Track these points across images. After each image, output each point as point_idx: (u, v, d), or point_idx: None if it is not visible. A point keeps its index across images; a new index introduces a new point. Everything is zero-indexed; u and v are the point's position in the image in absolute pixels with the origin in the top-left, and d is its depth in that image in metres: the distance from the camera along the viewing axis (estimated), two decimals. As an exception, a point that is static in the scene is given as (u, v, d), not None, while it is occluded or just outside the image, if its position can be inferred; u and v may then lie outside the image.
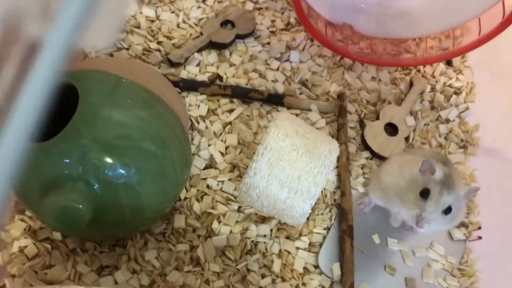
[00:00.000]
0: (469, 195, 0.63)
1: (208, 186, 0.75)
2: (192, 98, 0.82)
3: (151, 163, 0.59)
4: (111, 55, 0.84)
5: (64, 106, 0.64)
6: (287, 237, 0.73)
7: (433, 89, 0.90)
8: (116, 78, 0.62)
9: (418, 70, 0.91)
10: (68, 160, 0.56)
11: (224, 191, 0.75)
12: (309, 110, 0.84)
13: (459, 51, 0.83)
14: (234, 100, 0.83)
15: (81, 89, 0.58)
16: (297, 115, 0.84)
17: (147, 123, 0.60)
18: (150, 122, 0.60)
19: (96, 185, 0.56)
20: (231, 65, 0.87)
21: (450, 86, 0.90)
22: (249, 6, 0.93)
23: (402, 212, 0.65)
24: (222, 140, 0.79)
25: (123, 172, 0.57)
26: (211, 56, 0.86)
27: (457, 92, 0.90)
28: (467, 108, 0.88)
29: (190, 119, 0.80)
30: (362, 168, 0.80)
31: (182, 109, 0.72)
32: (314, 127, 0.81)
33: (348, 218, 0.73)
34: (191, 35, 0.88)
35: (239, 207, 0.74)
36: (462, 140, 0.86)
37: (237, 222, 0.73)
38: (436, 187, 0.59)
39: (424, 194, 0.60)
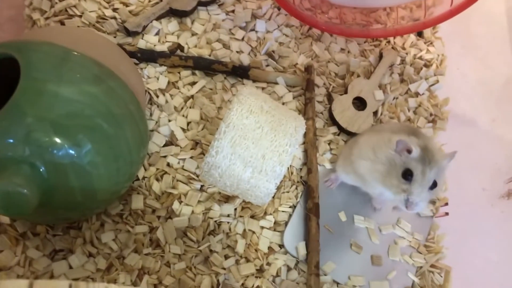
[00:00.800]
0: (449, 161, 0.59)
1: (168, 165, 0.72)
2: (150, 70, 0.77)
3: (102, 142, 0.55)
4: (62, 23, 0.77)
5: (8, 81, 0.59)
6: (252, 216, 0.71)
7: (403, 61, 0.87)
8: (64, 51, 0.57)
9: (388, 42, 0.88)
10: (10, 141, 0.51)
11: (185, 170, 0.71)
12: (276, 83, 0.80)
13: (430, 22, 0.80)
14: (196, 72, 0.79)
15: (23, 63, 0.53)
16: (263, 88, 0.80)
17: (97, 100, 0.55)
18: (101, 99, 0.55)
19: (43, 168, 0.52)
20: (193, 34, 0.81)
21: (420, 58, 0.88)
22: (211, -29, 0.87)
23: (385, 194, 0.62)
24: (183, 115, 0.75)
25: (72, 152, 0.53)
26: (171, 25, 0.81)
27: (427, 65, 0.87)
28: (437, 81, 0.86)
29: (149, 93, 0.75)
30: (329, 143, 0.78)
31: (138, 83, 0.67)
32: (280, 102, 0.78)
33: (314, 196, 0.71)
34: (149, 1, 0.82)
35: (202, 186, 0.71)
36: (431, 114, 0.84)
37: (199, 202, 0.70)
38: (417, 166, 0.56)
39: (407, 176, 0.56)
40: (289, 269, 0.69)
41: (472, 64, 0.92)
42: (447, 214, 0.76)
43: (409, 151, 0.57)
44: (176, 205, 0.69)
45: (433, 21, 0.80)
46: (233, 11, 0.84)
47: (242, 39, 0.82)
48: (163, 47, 0.79)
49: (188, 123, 0.75)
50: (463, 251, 0.73)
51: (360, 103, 0.82)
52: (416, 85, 0.85)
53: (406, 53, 0.87)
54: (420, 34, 0.90)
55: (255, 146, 0.61)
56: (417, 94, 0.85)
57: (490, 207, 0.70)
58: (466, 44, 0.94)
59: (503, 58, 0.93)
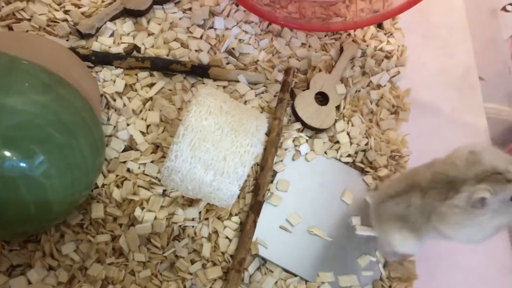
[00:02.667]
0: None
1: (128, 170, 0.70)
2: (106, 73, 0.74)
3: (55, 152, 0.53)
4: (10, 28, 0.74)
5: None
6: (218, 218, 0.70)
7: (364, 53, 0.87)
8: (10, 59, 0.55)
9: (349, 34, 0.88)
10: (-46, 155, 0.48)
11: (146, 175, 0.70)
12: (237, 81, 0.79)
13: (388, 13, 0.80)
14: (154, 73, 0.77)
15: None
16: (224, 87, 0.78)
17: (47, 109, 0.53)
18: (51, 107, 0.53)
19: (-10, 182, 0.49)
20: (149, 34, 0.79)
21: (381, 50, 0.88)
22: (166, -32, 0.85)
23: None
24: (142, 118, 0.73)
25: (23, 165, 0.51)
26: (126, 25, 0.78)
27: (388, 56, 0.87)
28: (398, 73, 0.87)
29: (105, 97, 0.72)
30: (293, 140, 0.77)
31: (93, 87, 0.65)
32: (242, 101, 0.77)
33: (259, 194, 0.70)
34: (103, 2, 0.79)
35: (164, 190, 0.69)
36: (393, 106, 0.84)
37: (162, 207, 0.68)
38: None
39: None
40: (256, 269, 0.68)
41: (432, 53, 0.93)
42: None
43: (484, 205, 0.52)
44: (138, 212, 0.67)
45: (392, 12, 0.80)
46: (190, 9, 0.82)
47: (201, 37, 0.81)
48: (119, 49, 0.76)
49: (148, 126, 0.73)
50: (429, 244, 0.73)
51: (322, 98, 0.81)
52: (377, 77, 0.85)
53: (367, 46, 0.87)
54: (380, 26, 0.90)
55: (215, 148, 0.60)
56: (379, 86, 0.85)
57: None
58: (426, 34, 0.94)
59: (463, 46, 0.94)
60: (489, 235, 0.55)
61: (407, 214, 0.60)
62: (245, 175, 0.61)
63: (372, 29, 0.89)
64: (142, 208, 0.67)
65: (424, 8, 0.84)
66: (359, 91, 0.84)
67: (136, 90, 0.75)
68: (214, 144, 0.60)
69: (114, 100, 0.73)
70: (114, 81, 0.74)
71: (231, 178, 0.61)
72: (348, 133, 0.79)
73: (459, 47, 0.93)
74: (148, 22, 0.80)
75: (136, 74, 0.76)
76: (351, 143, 0.78)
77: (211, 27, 0.82)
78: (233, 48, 0.81)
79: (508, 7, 0.68)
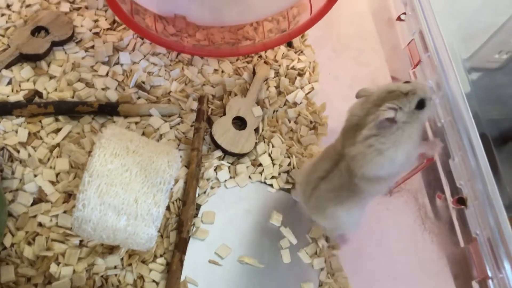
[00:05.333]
0: None
1: (40, 224, 0.65)
2: (6, 124, 0.70)
3: None
4: None
5: None
6: (142, 262, 0.66)
7: (277, 73, 0.87)
8: None
9: (260, 56, 0.88)
10: None
11: (60, 226, 0.65)
12: (150, 115, 0.76)
13: (294, 32, 0.81)
14: (60, 117, 0.73)
15: None
16: (136, 123, 0.76)
17: None
18: None
19: None
20: (51, 77, 0.75)
21: (293, 68, 0.88)
22: (65, 7, 0.82)
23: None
24: (50, 167, 0.69)
25: None
26: (25, 71, 0.74)
27: (301, 74, 0.88)
28: (313, 89, 0.87)
29: (7, 149, 0.68)
30: (215, 169, 0.75)
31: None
32: (157, 135, 0.75)
33: (183, 231, 0.67)
34: (-5, 48, 0.75)
35: (81, 241, 0.65)
36: (311, 122, 0.84)
37: (80, 259, 0.64)
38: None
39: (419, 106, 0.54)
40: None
41: (345, 65, 0.94)
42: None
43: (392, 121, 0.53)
44: (54, 268, 0.62)
45: (297, 31, 0.81)
46: (92, 47, 0.79)
47: (107, 74, 0.78)
48: (18, 97, 0.72)
49: (57, 175, 0.69)
50: (359, 253, 0.73)
51: (241, 122, 0.80)
52: (292, 95, 0.85)
53: (279, 65, 0.87)
54: (290, 45, 0.91)
55: (125, 192, 0.57)
56: (295, 104, 0.85)
57: (376, 205, 0.71)
58: (336, 47, 0.96)
59: (375, 54, 0.96)
60: (413, 150, 0.56)
61: (341, 183, 0.60)
62: (160, 215, 0.59)
63: (283, 48, 0.89)
64: (58, 264, 0.63)
65: (331, 21, 0.86)
66: (277, 111, 0.84)
67: (41, 138, 0.71)
68: (123, 188, 0.57)
69: (18, 151, 0.69)
70: (16, 131, 0.70)
71: (146, 220, 0.58)
72: (269, 155, 0.78)
73: (371, 54, 0.95)
74: (48, 65, 0.76)
75: (40, 121, 0.72)
76: (273, 165, 0.78)
77: (117, 63, 0.79)
78: (143, 82, 0.79)
79: (403, 16, 0.71)
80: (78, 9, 0.83)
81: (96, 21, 0.82)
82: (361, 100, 0.58)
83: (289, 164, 0.78)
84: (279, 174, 0.77)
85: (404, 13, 0.71)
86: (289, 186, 0.77)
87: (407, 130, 0.54)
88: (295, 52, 0.90)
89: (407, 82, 0.56)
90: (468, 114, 0.59)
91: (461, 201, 0.57)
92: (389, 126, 0.53)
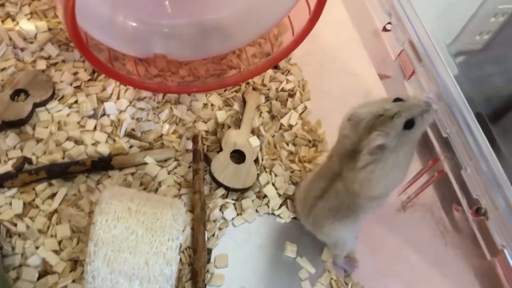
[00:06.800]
0: None
1: (50, 299, 0.62)
2: (-1, 198, 0.67)
3: None
4: None
5: None
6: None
7: (267, 98, 0.85)
8: None
9: (248, 83, 0.86)
10: None
11: (71, 297, 0.63)
12: (145, 163, 0.74)
13: (279, 56, 0.79)
14: (53, 181, 0.70)
15: None
16: (132, 174, 0.73)
17: None
18: None
19: None
20: (38, 141, 0.73)
21: (283, 90, 0.86)
22: (41, 65, 0.79)
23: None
24: (52, 236, 0.66)
25: None
26: (10, 139, 0.72)
27: (291, 94, 0.86)
28: (306, 108, 0.85)
29: (3, 225, 0.65)
30: (220, 209, 0.73)
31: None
32: (155, 183, 0.73)
33: (198, 280, 0.64)
34: (-24, 120, 0.72)
35: (95, 310, 0.62)
36: (310, 141, 0.82)
37: (96, 328, 0.61)
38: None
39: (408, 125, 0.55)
40: None
41: (334, 77, 0.93)
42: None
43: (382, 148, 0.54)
44: None
45: (282, 54, 0.79)
46: (76, 102, 0.77)
47: (95, 128, 0.75)
48: (7, 167, 0.69)
49: (60, 242, 0.66)
50: (381, 274, 0.71)
51: (239, 155, 0.78)
52: (287, 118, 0.83)
53: (268, 89, 0.85)
54: (276, 67, 0.89)
55: (134, 256, 0.55)
56: (291, 126, 0.83)
57: (392, 222, 0.69)
58: (322, 60, 0.94)
59: (362, 62, 0.94)
60: (407, 166, 0.58)
61: (339, 202, 0.61)
62: (174, 273, 0.57)
63: (270, 71, 0.87)
64: (75, 338, 0.60)
65: (313, 35, 0.83)
66: (273, 136, 0.82)
67: (37, 207, 0.68)
68: (131, 252, 0.55)
69: (15, 225, 0.66)
70: (11, 204, 0.67)
71: (160, 281, 0.56)
72: (273, 184, 0.76)
73: (359, 64, 0.94)
74: (33, 129, 0.73)
75: (34, 189, 0.69)
76: (279, 194, 0.76)
77: (103, 115, 0.77)
78: (133, 129, 0.77)
79: (388, 26, 0.69)
80: (55, 64, 0.80)
81: (75, 73, 0.80)
82: (348, 124, 0.58)
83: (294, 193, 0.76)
84: (285, 201, 0.75)
85: (390, 23, 0.69)
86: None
87: (402, 150, 0.55)
88: (282, 73, 0.88)
89: (397, 99, 0.56)
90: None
91: (479, 211, 0.55)
92: (382, 152, 0.54)
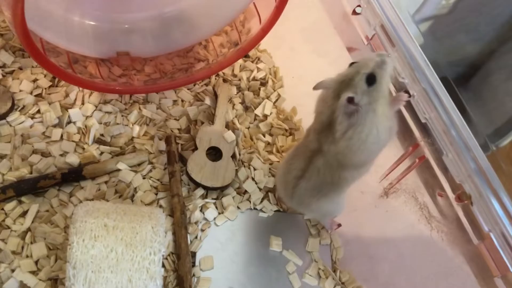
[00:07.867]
0: None
1: (32, 324, 0.60)
2: (-34, 223, 0.63)
3: None
4: None
5: None
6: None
7: (239, 89, 0.83)
8: None
9: (218, 75, 0.83)
10: None
11: (54, 319, 0.60)
12: (119, 170, 0.71)
13: (248, 46, 0.76)
14: (23, 198, 0.67)
15: None
16: (106, 182, 0.70)
17: None
18: None
19: None
20: (2, 157, 0.69)
21: (254, 79, 0.84)
22: (-3, 75, 0.74)
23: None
24: (27, 256, 0.63)
25: None
26: (-29, 158, 0.68)
27: (263, 83, 0.84)
28: (279, 96, 0.83)
29: (-26, 251, 0.62)
30: (201, 209, 0.71)
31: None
32: (131, 189, 0.70)
33: (184, 286, 0.63)
34: None
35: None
36: (286, 130, 0.81)
37: None
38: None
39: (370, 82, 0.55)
40: None
41: (306, 61, 0.90)
42: (339, 225, 0.73)
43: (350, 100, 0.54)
44: None
45: (251, 44, 0.76)
46: (38, 111, 0.73)
47: (61, 138, 0.72)
48: (-29, 189, 0.65)
49: (36, 262, 0.63)
50: (368, 259, 0.70)
51: (215, 152, 0.76)
52: (260, 108, 0.81)
53: (239, 80, 0.83)
54: (245, 56, 0.86)
55: (115, 275, 0.53)
56: (266, 117, 0.81)
57: (374, 208, 0.69)
58: (293, 44, 0.91)
59: (334, 43, 0.92)
60: (391, 121, 0.58)
61: (321, 179, 0.61)
62: (159, 286, 0.55)
63: (239, 61, 0.84)
64: None
65: (281, 19, 0.81)
66: (249, 128, 0.80)
67: (8, 227, 0.65)
68: (112, 271, 0.53)
69: (-14, 249, 0.63)
70: (-21, 227, 0.64)
71: (146, 297, 0.54)
72: (253, 179, 0.75)
73: (330, 44, 0.91)
74: (-5, 144, 0.69)
75: (2, 209, 0.66)
76: (259, 188, 0.74)
77: (69, 122, 0.73)
78: (102, 135, 0.74)
79: (358, 9, 0.67)
80: (12, 72, 0.75)
81: (34, 80, 0.75)
82: (322, 95, 0.59)
83: (275, 184, 0.74)
84: (266, 194, 0.74)
85: (359, 6, 0.67)
86: (279, 208, 0.73)
87: (376, 108, 0.55)
88: (252, 62, 0.85)
89: (352, 63, 0.57)
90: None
91: (463, 197, 0.55)
92: (356, 110, 0.54)
